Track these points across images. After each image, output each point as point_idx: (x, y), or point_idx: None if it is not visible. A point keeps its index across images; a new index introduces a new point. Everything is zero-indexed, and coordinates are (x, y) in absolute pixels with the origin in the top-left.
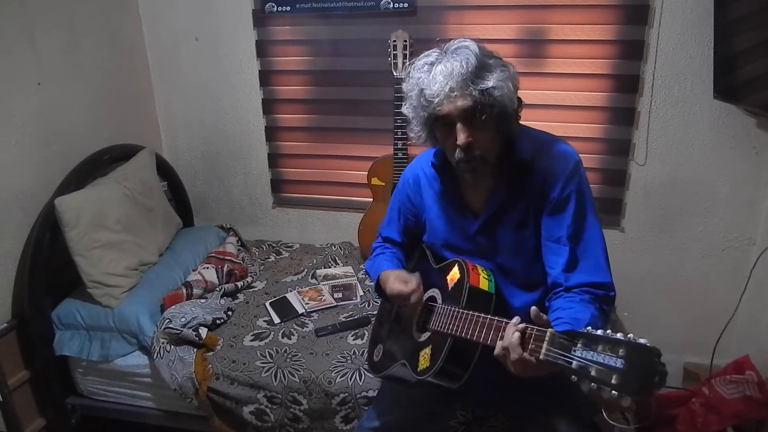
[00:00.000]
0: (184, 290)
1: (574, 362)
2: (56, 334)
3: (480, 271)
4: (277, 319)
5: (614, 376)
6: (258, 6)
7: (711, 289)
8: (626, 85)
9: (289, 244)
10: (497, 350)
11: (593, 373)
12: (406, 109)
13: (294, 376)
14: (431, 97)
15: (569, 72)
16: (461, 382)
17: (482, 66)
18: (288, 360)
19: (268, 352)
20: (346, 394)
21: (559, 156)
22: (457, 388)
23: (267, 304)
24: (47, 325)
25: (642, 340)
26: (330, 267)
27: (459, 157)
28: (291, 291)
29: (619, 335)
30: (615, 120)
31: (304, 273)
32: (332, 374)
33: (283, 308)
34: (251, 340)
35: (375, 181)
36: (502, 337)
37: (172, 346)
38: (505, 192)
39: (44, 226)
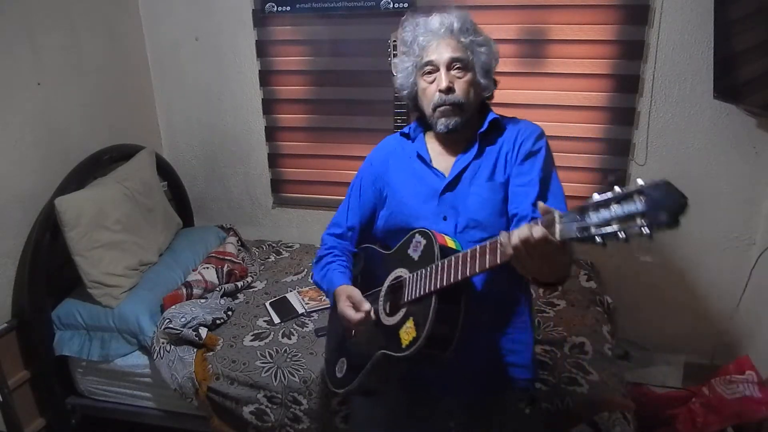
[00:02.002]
0: (184, 290)
1: (592, 228)
2: (56, 334)
3: (443, 235)
4: (277, 319)
5: (638, 218)
6: (258, 6)
7: (711, 289)
8: (626, 85)
9: (289, 244)
10: (514, 245)
11: (616, 226)
12: (393, 61)
13: (294, 376)
14: (424, 42)
15: (569, 72)
16: (453, 345)
17: (474, 27)
18: (288, 360)
19: (268, 352)
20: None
21: (527, 123)
22: (447, 356)
23: (267, 304)
24: (47, 325)
25: (648, 182)
26: None
27: (438, 102)
28: (291, 291)
29: (626, 188)
30: (615, 120)
31: (304, 273)
32: None
33: (283, 308)
34: (251, 340)
35: None
36: (504, 253)
37: (172, 346)
38: (476, 150)
39: (44, 226)
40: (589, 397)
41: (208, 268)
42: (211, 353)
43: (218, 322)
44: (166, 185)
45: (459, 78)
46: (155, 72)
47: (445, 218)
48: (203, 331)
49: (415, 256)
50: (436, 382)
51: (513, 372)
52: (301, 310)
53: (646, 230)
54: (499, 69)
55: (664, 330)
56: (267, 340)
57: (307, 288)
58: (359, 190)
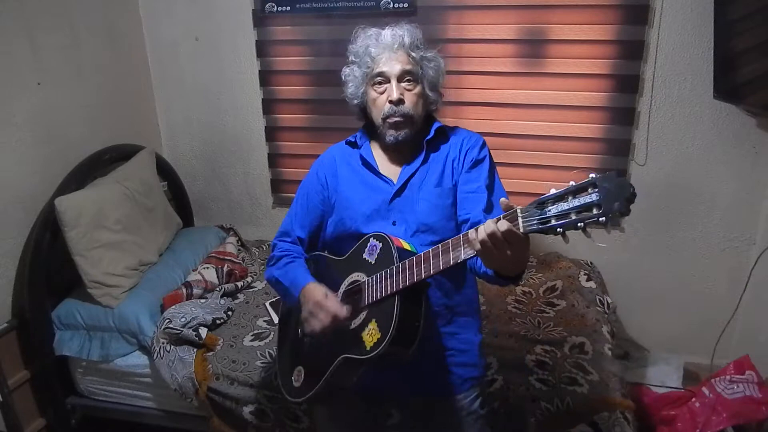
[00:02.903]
0: (184, 290)
1: (553, 220)
2: (56, 334)
3: (398, 238)
4: (277, 319)
5: (594, 208)
6: (258, 6)
7: (711, 290)
8: (626, 85)
9: None
10: (481, 239)
11: (574, 216)
12: (344, 71)
13: None
14: (376, 54)
15: (569, 72)
16: (417, 340)
17: (423, 42)
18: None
19: (268, 352)
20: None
21: (469, 132)
22: (411, 354)
23: (267, 304)
24: (47, 325)
25: (600, 175)
26: None
27: (388, 113)
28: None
29: (577, 182)
30: (615, 120)
31: None
32: None
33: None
34: (251, 340)
35: None
36: (472, 247)
37: (172, 346)
38: (422, 158)
39: (44, 226)
40: (589, 397)
41: (208, 268)
42: (211, 353)
43: (218, 322)
44: (166, 185)
45: (409, 90)
46: (155, 72)
47: (394, 223)
48: (203, 331)
49: (372, 259)
50: (386, 386)
51: (461, 371)
52: None
53: (602, 219)
54: (499, 69)
55: (664, 330)
56: (267, 340)
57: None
58: (306, 198)
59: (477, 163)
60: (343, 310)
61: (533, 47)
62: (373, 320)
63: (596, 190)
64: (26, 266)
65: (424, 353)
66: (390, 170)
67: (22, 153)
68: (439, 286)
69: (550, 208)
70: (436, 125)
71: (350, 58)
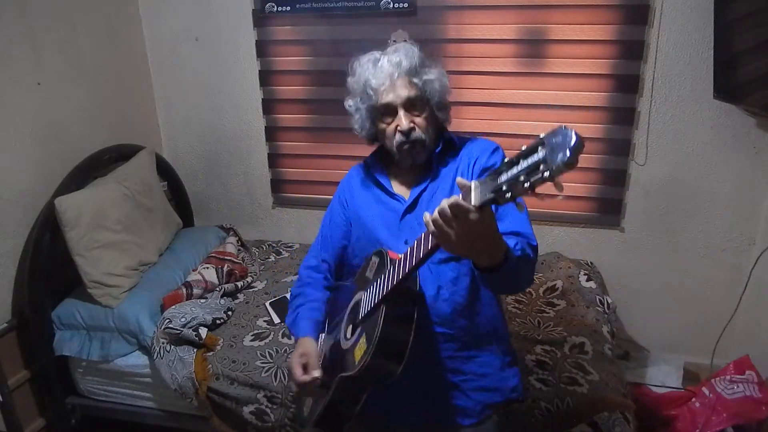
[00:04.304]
0: (184, 290)
1: (503, 186)
2: (56, 334)
3: (396, 253)
4: (277, 319)
5: (541, 165)
6: (258, 6)
7: (711, 290)
8: (626, 85)
9: (289, 244)
10: (433, 219)
11: (522, 178)
12: (348, 104)
13: None
14: (376, 86)
15: (569, 72)
16: (406, 354)
17: (422, 62)
18: (288, 360)
19: (268, 352)
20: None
21: (482, 140)
22: (402, 370)
23: (267, 304)
24: (47, 325)
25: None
26: None
27: (400, 141)
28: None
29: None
30: (615, 120)
31: None
32: None
33: (283, 308)
34: (251, 340)
35: None
36: (427, 233)
37: (172, 346)
38: (433, 172)
39: (44, 226)
40: (589, 397)
41: (208, 268)
42: (211, 353)
43: (218, 322)
44: (166, 185)
45: (417, 116)
46: (155, 72)
47: (406, 242)
48: (203, 331)
49: (371, 275)
50: (397, 417)
51: (479, 396)
52: None
53: (546, 174)
54: (499, 69)
55: (664, 330)
56: (267, 340)
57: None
58: (329, 220)
59: (485, 171)
60: (302, 378)
61: (533, 47)
62: (363, 334)
63: (543, 147)
64: (26, 266)
65: (435, 378)
66: (402, 187)
67: (22, 153)
68: (450, 305)
69: (503, 176)
70: (447, 136)
71: (350, 91)
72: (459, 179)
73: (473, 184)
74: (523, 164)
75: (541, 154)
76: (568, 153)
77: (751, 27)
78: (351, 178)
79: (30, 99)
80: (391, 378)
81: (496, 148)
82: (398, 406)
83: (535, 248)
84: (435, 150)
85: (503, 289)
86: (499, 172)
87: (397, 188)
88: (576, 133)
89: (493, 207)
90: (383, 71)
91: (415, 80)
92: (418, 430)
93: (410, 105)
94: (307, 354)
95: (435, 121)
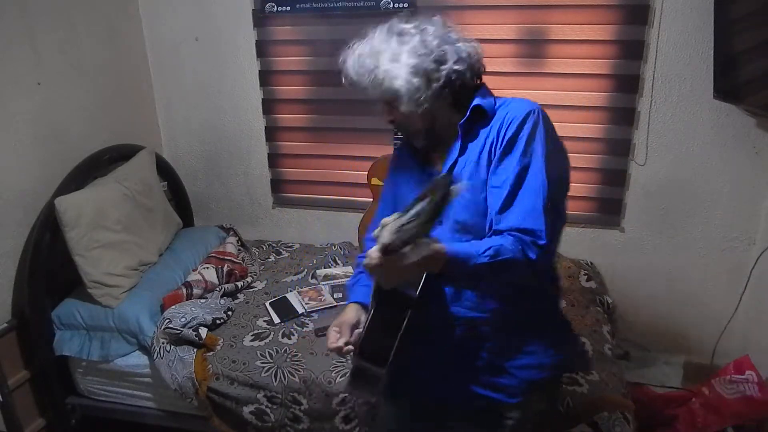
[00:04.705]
0: (184, 290)
1: (411, 223)
2: (56, 334)
3: None
4: (277, 319)
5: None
6: (258, 6)
7: (711, 289)
8: (626, 85)
9: (289, 244)
10: (364, 265)
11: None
12: None
13: (294, 376)
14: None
15: (569, 72)
16: (389, 359)
17: (365, 70)
18: (288, 360)
19: (268, 352)
20: (347, 395)
21: (518, 102)
22: (383, 372)
23: (267, 304)
24: (47, 325)
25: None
26: (330, 267)
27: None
28: (291, 291)
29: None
30: (615, 120)
31: (304, 273)
32: (332, 374)
33: (283, 308)
34: (251, 340)
35: (375, 181)
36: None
37: (172, 346)
38: (458, 147)
39: (44, 226)
40: (589, 397)
41: (208, 268)
42: (211, 353)
43: (218, 322)
44: (166, 185)
45: (395, 110)
46: (155, 72)
47: (440, 222)
48: (203, 331)
49: None
50: (430, 388)
51: (523, 374)
52: (301, 310)
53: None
54: (499, 69)
55: (664, 330)
56: (267, 340)
57: (307, 288)
58: (382, 197)
59: (509, 145)
60: (330, 344)
61: (533, 47)
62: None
63: (429, 192)
64: (26, 266)
65: (472, 358)
66: (436, 160)
67: (22, 153)
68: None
69: (408, 212)
70: (475, 103)
71: None
72: (383, 220)
73: (389, 221)
74: (419, 206)
75: (426, 201)
76: (439, 187)
77: (751, 27)
78: (394, 155)
79: (30, 99)
80: (374, 383)
81: (528, 114)
82: (438, 385)
83: (541, 248)
84: (459, 122)
85: (497, 280)
86: (405, 211)
87: (428, 158)
88: (448, 176)
89: (499, 187)
90: (348, 75)
91: (368, 88)
92: (461, 408)
93: (384, 102)
94: (342, 322)
95: (414, 110)
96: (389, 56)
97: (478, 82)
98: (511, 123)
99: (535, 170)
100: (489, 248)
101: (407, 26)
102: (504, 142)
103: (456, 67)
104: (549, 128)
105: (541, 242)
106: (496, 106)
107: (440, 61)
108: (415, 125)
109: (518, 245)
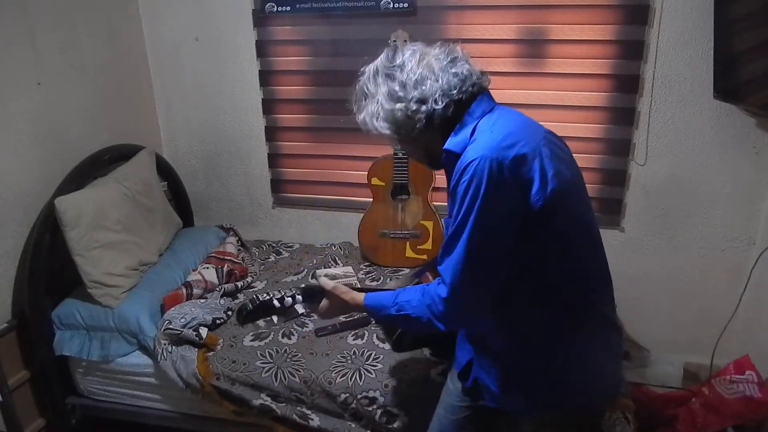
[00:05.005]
0: (184, 290)
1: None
2: (56, 334)
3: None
4: (277, 320)
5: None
6: (258, 6)
7: (711, 289)
8: (626, 85)
9: (289, 244)
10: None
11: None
12: None
13: (294, 377)
14: None
15: (569, 72)
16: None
17: (363, 94)
18: (288, 360)
19: (268, 352)
20: (347, 395)
21: (473, 148)
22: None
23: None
24: (47, 325)
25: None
26: (330, 267)
27: None
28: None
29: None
30: (615, 120)
31: (304, 273)
32: (332, 374)
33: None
34: (251, 340)
35: (375, 181)
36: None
37: (174, 347)
38: (447, 177)
39: (44, 226)
40: None
41: (208, 268)
42: (211, 353)
43: (218, 322)
44: (166, 185)
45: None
46: (155, 72)
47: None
48: (203, 331)
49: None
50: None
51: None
52: (301, 311)
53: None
54: (499, 69)
55: (664, 330)
56: (267, 341)
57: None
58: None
59: (452, 194)
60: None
61: (533, 47)
62: None
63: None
64: (26, 266)
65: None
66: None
67: (22, 153)
68: None
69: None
70: (444, 147)
71: None
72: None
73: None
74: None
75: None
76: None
77: (751, 27)
78: None
79: (30, 99)
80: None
81: (465, 168)
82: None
83: (443, 300)
84: (440, 162)
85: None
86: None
87: None
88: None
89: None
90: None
91: (359, 124)
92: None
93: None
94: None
95: (419, 147)
96: (370, 100)
97: (479, 94)
98: (456, 173)
99: (464, 225)
100: (396, 304)
101: (391, 64)
102: (450, 190)
103: (437, 106)
104: (491, 181)
105: (443, 295)
106: (470, 142)
107: (421, 101)
108: (413, 154)
109: (426, 300)
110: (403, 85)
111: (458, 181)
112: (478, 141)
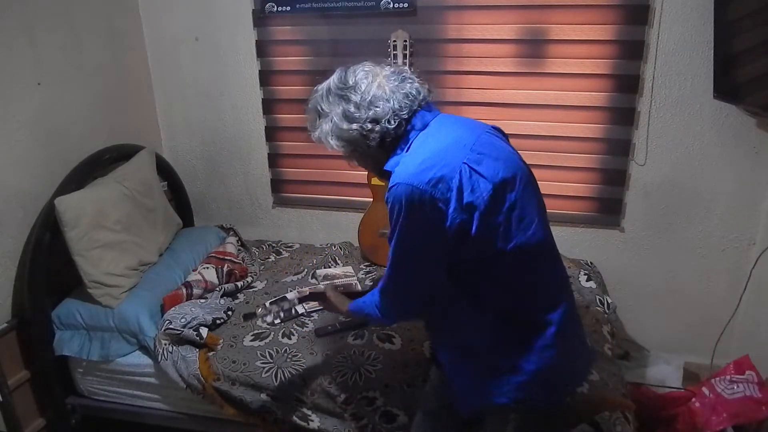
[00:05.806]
0: (184, 290)
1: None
2: (56, 334)
3: None
4: (276, 320)
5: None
6: (258, 6)
7: (711, 290)
8: (626, 85)
9: (289, 244)
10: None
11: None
12: None
13: (294, 377)
14: None
15: (569, 72)
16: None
17: (316, 113)
18: (288, 360)
19: (269, 353)
20: (347, 395)
21: (396, 172)
22: None
23: (267, 304)
24: (47, 325)
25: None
26: (330, 267)
27: None
28: (291, 291)
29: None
30: (615, 120)
31: (304, 273)
32: (332, 374)
33: None
34: (251, 341)
35: (375, 181)
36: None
37: (174, 347)
38: None
39: (44, 226)
40: (589, 397)
41: (208, 268)
42: (212, 353)
43: (218, 322)
44: (166, 185)
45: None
46: (155, 72)
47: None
48: (204, 331)
49: None
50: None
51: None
52: (301, 311)
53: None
54: (499, 69)
55: (664, 330)
56: (267, 341)
57: (307, 288)
58: None
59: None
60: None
61: (533, 47)
62: None
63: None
64: (26, 266)
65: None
66: None
67: (22, 153)
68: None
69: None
70: (386, 168)
71: None
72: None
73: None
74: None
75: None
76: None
77: (750, 27)
78: None
79: (30, 99)
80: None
81: (388, 194)
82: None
83: (381, 314)
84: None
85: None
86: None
87: None
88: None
89: None
90: None
91: (315, 139)
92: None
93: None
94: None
95: (371, 162)
96: (324, 119)
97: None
98: (386, 197)
99: (393, 244)
100: (361, 310)
101: (344, 85)
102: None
103: (389, 126)
104: (409, 206)
105: (376, 300)
106: (403, 158)
107: (375, 120)
108: (366, 167)
109: (374, 300)
110: (358, 107)
111: (386, 201)
112: (402, 164)
